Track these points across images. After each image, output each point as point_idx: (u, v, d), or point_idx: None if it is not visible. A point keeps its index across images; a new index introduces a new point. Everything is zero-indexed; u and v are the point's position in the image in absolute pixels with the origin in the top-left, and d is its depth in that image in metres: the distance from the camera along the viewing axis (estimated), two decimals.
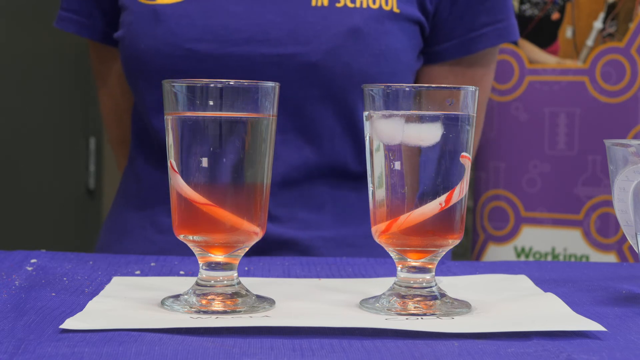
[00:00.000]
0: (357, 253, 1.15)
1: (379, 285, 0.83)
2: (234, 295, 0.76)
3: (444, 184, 0.76)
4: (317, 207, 1.17)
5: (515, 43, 1.27)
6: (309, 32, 1.12)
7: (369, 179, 0.78)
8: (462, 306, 0.76)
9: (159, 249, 1.16)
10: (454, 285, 0.85)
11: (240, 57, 1.12)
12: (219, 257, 0.77)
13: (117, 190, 1.29)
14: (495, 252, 2.16)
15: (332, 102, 1.14)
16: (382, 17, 1.14)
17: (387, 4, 1.15)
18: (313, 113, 1.14)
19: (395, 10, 1.15)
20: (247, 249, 0.78)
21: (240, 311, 0.74)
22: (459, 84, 1.21)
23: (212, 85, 0.75)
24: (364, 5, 1.14)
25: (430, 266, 0.77)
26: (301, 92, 1.13)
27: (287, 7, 1.13)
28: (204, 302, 0.75)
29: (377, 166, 0.77)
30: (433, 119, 0.75)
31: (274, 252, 1.14)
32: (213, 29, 1.13)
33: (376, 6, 1.14)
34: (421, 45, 1.21)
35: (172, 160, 0.77)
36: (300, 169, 1.16)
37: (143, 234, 1.20)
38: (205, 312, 0.74)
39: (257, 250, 1.11)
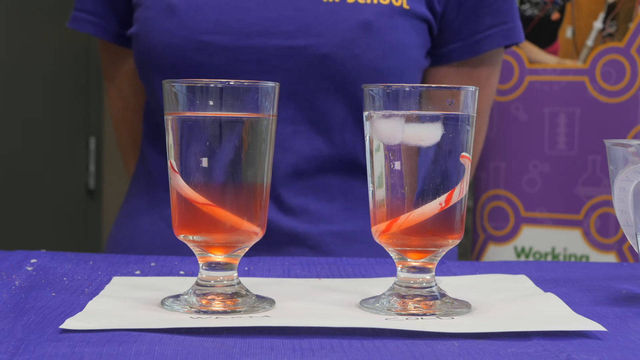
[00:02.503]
0: (365, 249, 1.16)
1: (379, 285, 0.83)
2: (234, 295, 0.76)
3: (444, 184, 0.76)
4: (327, 199, 1.20)
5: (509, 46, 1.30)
6: (321, 26, 1.15)
7: (369, 178, 0.78)
8: (462, 306, 0.76)
9: (169, 244, 1.17)
10: (454, 285, 0.85)
11: (253, 50, 1.15)
12: (219, 257, 0.77)
13: (128, 188, 1.30)
14: (495, 252, 2.16)
15: (342, 94, 1.16)
16: (392, 12, 1.17)
17: (397, 0, 1.17)
18: (324, 105, 1.17)
19: (405, 6, 1.18)
20: (247, 249, 0.78)
21: (240, 311, 0.74)
22: (465, 84, 1.22)
23: (212, 85, 0.75)
24: (375, 1, 1.16)
25: (430, 266, 0.77)
26: (312, 84, 1.16)
27: (299, 2, 1.16)
28: (204, 302, 0.75)
29: (377, 166, 0.77)
30: (433, 119, 0.75)
31: (284, 246, 1.16)
32: (226, 22, 1.15)
33: (386, 2, 1.17)
34: (429, 45, 1.22)
35: (172, 160, 0.77)
36: (312, 160, 1.18)
37: (153, 230, 1.21)
38: (205, 312, 0.74)
39: (268, 245, 1.12)
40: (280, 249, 1.16)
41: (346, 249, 1.18)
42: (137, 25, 1.21)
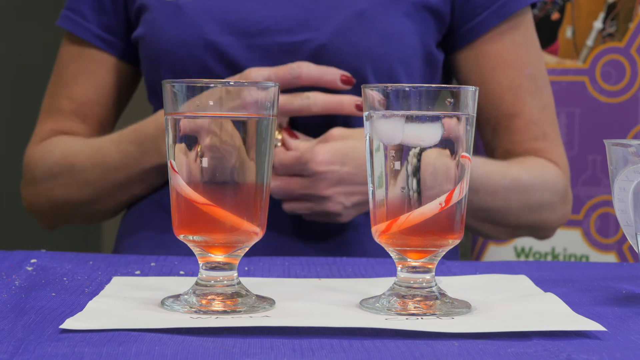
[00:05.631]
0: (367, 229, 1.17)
1: (379, 285, 0.83)
2: (234, 295, 0.76)
3: (444, 184, 0.76)
4: None
5: (535, 5, 1.30)
6: (319, 19, 1.20)
7: (369, 178, 0.78)
8: (462, 306, 0.76)
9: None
10: (454, 285, 0.85)
11: (258, 47, 1.20)
12: (219, 257, 0.77)
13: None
14: (495, 252, 2.16)
15: None
16: (387, 1, 1.21)
17: None
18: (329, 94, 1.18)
19: None
20: (247, 249, 0.78)
21: (240, 311, 0.74)
22: (501, 55, 1.26)
23: (212, 85, 0.75)
24: None
25: (430, 266, 0.77)
26: None
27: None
28: (204, 302, 0.75)
29: (377, 166, 0.77)
30: (433, 119, 0.75)
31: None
32: (232, 22, 1.20)
33: None
34: (433, 33, 1.24)
35: (172, 160, 0.77)
36: None
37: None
38: (205, 312, 0.74)
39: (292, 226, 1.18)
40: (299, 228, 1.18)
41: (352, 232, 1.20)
42: (144, 26, 1.24)
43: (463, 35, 1.26)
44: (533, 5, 1.28)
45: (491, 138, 1.27)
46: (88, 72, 1.31)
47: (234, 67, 1.19)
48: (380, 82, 1.17)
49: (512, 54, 1.26)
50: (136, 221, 1.26)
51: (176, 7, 1.21)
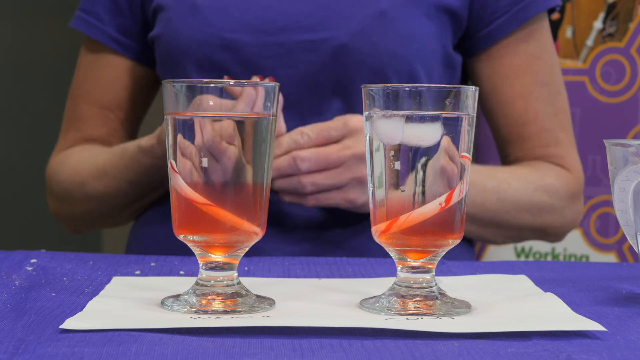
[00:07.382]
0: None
1: (379, 285, 0.83)
2: (234, 295, 0.76)
3: (444, 184, 0.76)
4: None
5: (553, 10, 1.28)
6: (339, 18, 1.18)
7: (369, 178, 0.78)
8: (462, 306, 0.76)
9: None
10: (454, 285, 0.85)
11: (275, 46, 1.19)
12: (219, 257, 0.77)
13: None
14: (495, 252, 2.15)
15: (364, 82, 1.17)
16: (407, 2, 1.20)
17: None
18: (346, 94, 1.18)
19: None
20: (247, 249, 0.78)
21: (240, 311, 0.74)
22: (516, 61, 1.25)
23: (212, 85, 0.75)
24: None
25: (430, 266, 0.77)
26: (334, 74, 1.18)
27: None
28: (204, 302, 0.75)
29: (377, 166, 0.77)
30: (433, 119, 0.75)
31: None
32: (248, 20, 1.19)
33: None
34: (451, 37, 1.23)
35: (172, 160, 0.77)
36: None
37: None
38: (205, 312, 0.74)
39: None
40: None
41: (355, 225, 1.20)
42: (161, 26, 1.23)
43: (480, 40, 1.25)
44: (550, 12, 1.27)
45: (503, 146, 1.28)
46: (105, 76, 1.30)
47: (251, 66, 1.18)
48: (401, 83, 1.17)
49: (525, 62, 1.25)
50: (150, 220, 1.26)
51: (193, 5, 1.20)
